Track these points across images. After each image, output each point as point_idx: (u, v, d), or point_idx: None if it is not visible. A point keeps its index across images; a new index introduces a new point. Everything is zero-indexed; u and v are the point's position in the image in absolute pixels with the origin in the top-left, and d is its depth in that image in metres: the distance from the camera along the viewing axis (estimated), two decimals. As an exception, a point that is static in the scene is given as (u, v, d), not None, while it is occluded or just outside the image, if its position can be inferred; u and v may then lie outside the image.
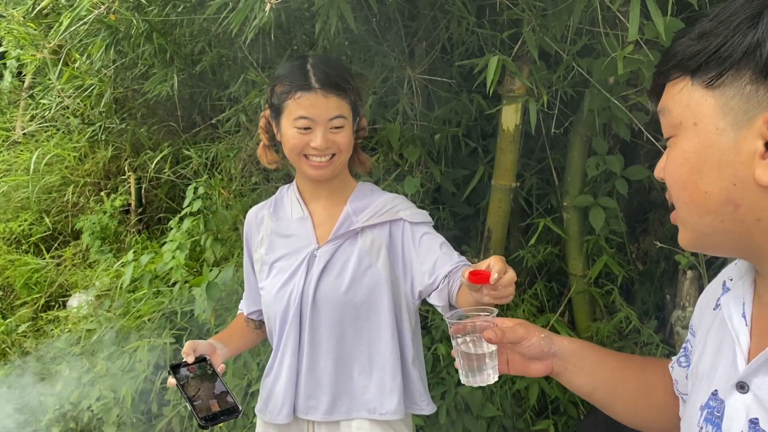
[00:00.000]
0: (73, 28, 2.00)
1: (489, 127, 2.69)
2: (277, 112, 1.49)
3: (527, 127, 2.15)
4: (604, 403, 1.08)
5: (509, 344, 1.09)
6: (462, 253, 2.71)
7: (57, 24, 2.36)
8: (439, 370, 2.56)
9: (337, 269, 1.52)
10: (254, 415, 1.74)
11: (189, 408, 1.33)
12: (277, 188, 1.78)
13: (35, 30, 3.15)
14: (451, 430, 2.50)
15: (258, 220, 1.68)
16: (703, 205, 0.73)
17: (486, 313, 1.11)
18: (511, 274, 1.15)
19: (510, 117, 2.30)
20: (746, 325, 0.78)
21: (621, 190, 2.31)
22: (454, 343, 1.12)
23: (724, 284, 0.87)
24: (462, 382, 1.11)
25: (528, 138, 2.58)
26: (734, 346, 0.78)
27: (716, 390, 0.80)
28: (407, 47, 2.62)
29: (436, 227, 2.67)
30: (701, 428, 0.81)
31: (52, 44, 2.63)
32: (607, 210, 2.33)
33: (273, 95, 1.50)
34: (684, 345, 1.03)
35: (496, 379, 1.10)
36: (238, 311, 1.82)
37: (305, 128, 1.43)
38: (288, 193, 1.66)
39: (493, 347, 1.08)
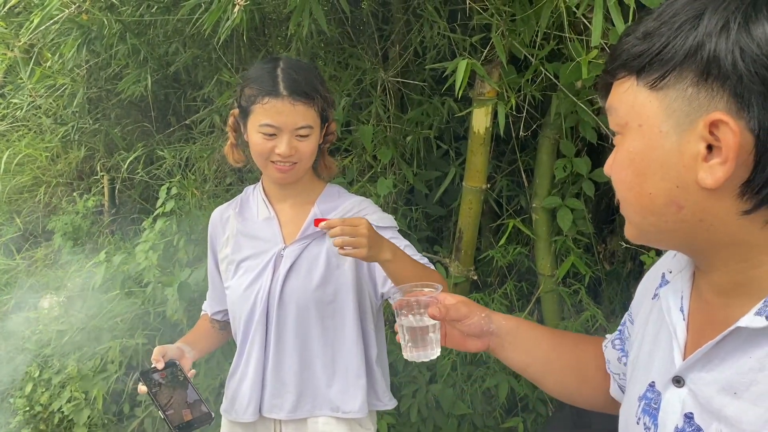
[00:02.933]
0: (44, 26, 2.00)
1: (460, 129, 2.73)
2: (244, 113, 1.50)
3: (497, 130, 2.20)
4: (536, 378, 1.12)
5: (450, 321, 1.10)
6: (434, 253, 2.76)
7: (28, 23, 2.35)
8: (411, 368, 2.59)
9: (304, 269, 1.54)
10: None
11: (162, 416, 1.32)
12: (251, 189, 1.79)
13: (5, 28, 3.12)
14: (423, 428, 2.53)
15: (223, 220, 1.68)
16: (647, 206, 0.74)
17: (430, 289, 1.12)
18: (349, 221, 1.33)
19: (480, 120, 2.34)
20: (683, 319, 0.80)
21: (588, 192, 2.37)
22: (398, 318, 1.12)
23: (663, 276, 0.89)
24: (405, 357, 1.12)
25: (498, 141, 2.63)
26: (671, 340, 0.80)
27: (653, 381, 0.82)
28: (380, 50, 2.66)
29: (409, 228, 2.73)
30: (639, 419, 0.83)
31: (22, 43, 2.60)
32: (574, 211, 2.38)
33: (242, 96, 1.50)
34: (620, 328, 1.06)
35: (439, 353, 1.11)
36: (202, 312, 1.82)
37: (270, 134, 1.44)
38: (254, 194, 1.67)
39: (437, 322, 1.09)
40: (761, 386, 0.67)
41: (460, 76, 1.82)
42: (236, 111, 1.56)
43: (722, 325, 0.72)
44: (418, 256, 1.56)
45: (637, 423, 0.84)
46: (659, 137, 0.70)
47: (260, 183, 1.66)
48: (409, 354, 1.11)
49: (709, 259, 0.76)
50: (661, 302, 0.85)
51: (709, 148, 0.67)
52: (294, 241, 1.56)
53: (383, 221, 1.58)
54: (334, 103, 1.59)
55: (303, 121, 1.45)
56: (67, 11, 1.64)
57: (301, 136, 1.46)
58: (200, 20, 2.08)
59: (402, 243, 1.57)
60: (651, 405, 0.81)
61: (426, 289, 1.11)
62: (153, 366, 1.42)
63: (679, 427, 0.75)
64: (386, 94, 2.60)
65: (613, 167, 0.78)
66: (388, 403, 1.66)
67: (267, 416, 1.61)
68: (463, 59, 1.85)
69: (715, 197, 0.69)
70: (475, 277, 2.66)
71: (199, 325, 1.78)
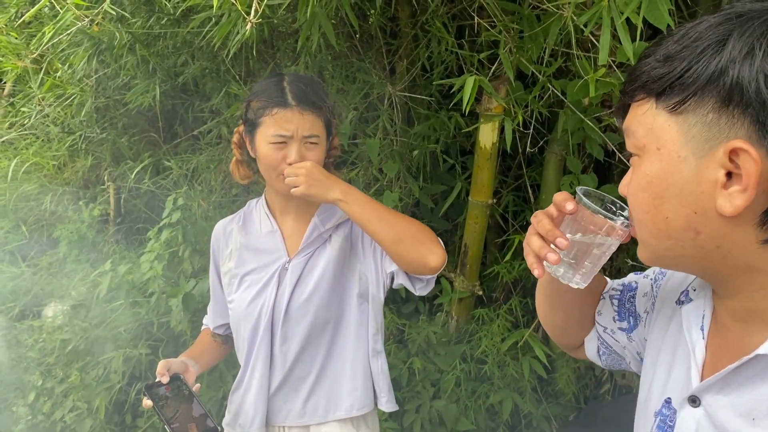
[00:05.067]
0: (56, 39, 2.01)
1: (467, 144, 2.74)
2: (252, 127, 1.50)
3: (504, 146, 2.20)
4: (544, 304, 1.11)
5: None
6: (439, 267, 2.75)
7: (39, 34, 2.37)
8: (415, 384, 2.58)
9: (309, 281, 1.54)
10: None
11: (168, 430, 1.32)
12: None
13: (17, 39, 3.15)
14: (426, 443, 2.52)
15: (226, 234, 1.69)
16: (664, 230, 0.73)
17: (625, 220, 0.86)
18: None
19: (487, 135, 2.35)
20: (703, 338, 0.79)
21: (595, 209, 2.36)
22: (574, 228, 0.88)
23: (687, 293, 0.87)
24: (559, 275, 0.90)
25: (505, 156, 2.64)
26: (689, 358, 0.79)
27: (669, 398, 0.82)
28: (388, 64, 2.67)
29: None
30: None
31: (35, 54, 2.62)
32: (580, 228, 2.38)
33: (249, 110, 1.51)
34: (623, 286, 1.03)
35: (583, 287, 0.90)
36: (203, 326, 1.82)
37: (281, 144, 1.45)
38: (257, 207, 1.68)
39: (608, 252, 0.89)
40: None
41: (467, 93, 1.82)
42: (241, 128, 1.57)
43: (740, 350, 0.72)
44: None
45: None
46: (678, 162, 0.69)
47: (263, 197, 1.67)
48: (563, 270, 0.90)
49: (725, 284, 0.75)
50: (683, 320, 0.84)
51: (729, 175, 0.66)
52: (297, 252, 1.56)
53: None
54: (338, 116, 1.60)
55: (311, 130, 1.47)
56: (79, 23, 1.65)
57: (311, 143, 1.47)
58: (210, 33, 2.10)
59: None
60: (666, 422, 0.81)
61: (622, 219, 0.85)
62: (158, 380, 1.42)
63: None
64: (393, 108, 2.61)
65: (630, 188, 0.77)
66: (388, 404, 1.66)
67: (276, 425, 1.61)
68: (471, 75, 1.85)
69: (734, 224, 0.68)
70: (480, 293, 2.65)
71: (200, 339, 1.78)
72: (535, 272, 0.89)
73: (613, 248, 0.87)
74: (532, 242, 0.88)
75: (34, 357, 3.03)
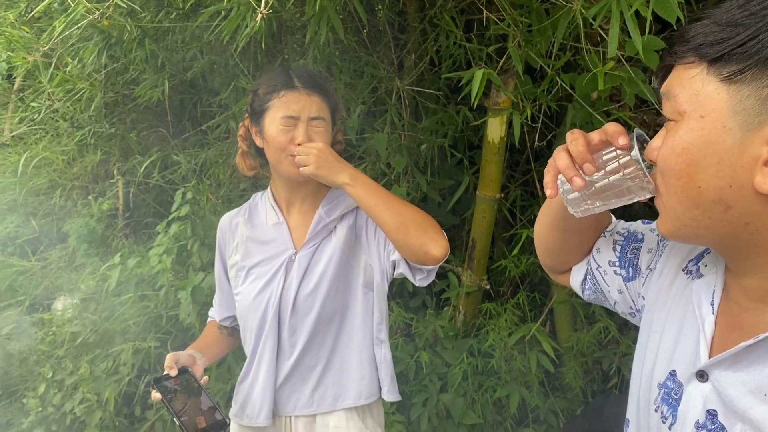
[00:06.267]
0: (66, 32, 2.02)
1: (475, 138, 2.74)
2: (259, 114, 1.52)
3: (512, 140, 2.20)
4: (542, 226, 1.09)
5: None
6: (447, 262, 2.76)
7: (50, 28, 2.38)
8: (422, 377, 2.58)
9: (316, 272, 1.55)
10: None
11: (177, 423, 1.33)
12: (264, 194, 1.80)
13: (28, 33, 3.16)
14: (433, 437, 2.52)
15: (232, 227, 1.70)
16: (694, 199, 0.71)
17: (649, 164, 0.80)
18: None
19: (495, 129, 2.35)
20: (713, 314, 0.79)
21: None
22: (616, 161, 0.82)
23: (698, 268, 0.86)
24: (568, 199, 0.85)
25: (513, 150, 2.63)
26: (698, 333, 0.79)
27: (674, 370, 0.81)
28: (396, 59, 2.67)
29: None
30: (657, 407, 0.83)
31: (45, 48, 2.64)
32: (588, 222, 2.37)
33: (255, 99, 1.54)
34: (638, 235, 1.01)
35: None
36: (209, 319, 1.82)
37: (288, 126, 1.48)
38: (262, 200, 1.69)
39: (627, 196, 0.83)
40: None
41: (476, 86, 1.82)
42: (247, 121, 1.59)
43: (753, 329, 0.71)
44: None
45: (655, 411, 0.83)
46: (722, 132, 0.67)
47: (269, 189, 1.68)
48: (573, 196, 0.84)
49: (745, 261, 0.74)
50: (692, 295, 0.83)
51: None
52: (303, 244, 1.57)
53: None
54: (341, 108, 1.61)
55: (318, 112, 1.50)
56: (90, 17, 1.66)
57: (317, 126, 1.50)
58: (219, 27, 2.11)
59: None
60: (671, 395, 0.80)
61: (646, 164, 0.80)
62: (166, 373, 1.43)
63: (701, 422, 0.74)
64: (401, 103, 2.61)
65: (662, 152, 0.74)
66: (389, 394, 1.66)
67: (280, 415, 1.62)
68: (479, 69, 1.85)
69: (767, 203, 0.67)
70: (488, 287, 2.65)
71: (207, 332, 1.79)
72: (548, 192, 0.85)
73: (631, 201, 0.83)
74: (560, 159, 0.83)
75: (45, 349, 3.05)
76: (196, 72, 2.82)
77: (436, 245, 1.44)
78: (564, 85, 2.04)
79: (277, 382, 1.60)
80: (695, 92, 0.69)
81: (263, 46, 2.41)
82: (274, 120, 1.49)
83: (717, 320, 0.78)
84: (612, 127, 0.82)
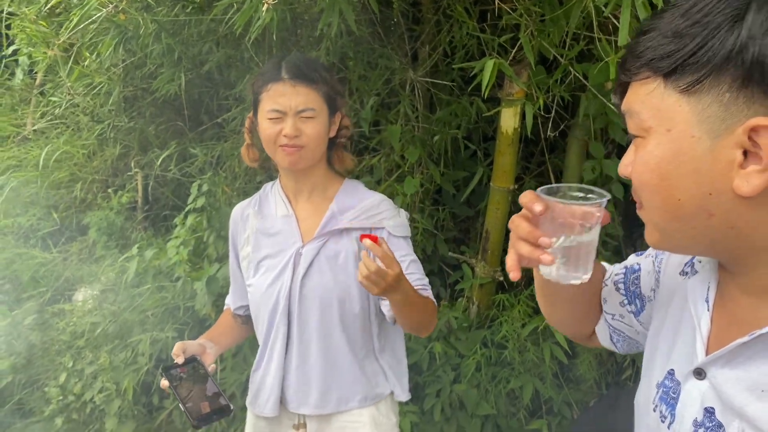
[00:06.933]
0: (83, 26, 2.06)
1: (489, 130, 2.73)
2: (255, 107, 1.56)
3: (526, 131, 2.19)
4: (547, 304, 1.10)
5: None
6: (461, 253, 2.76)
7: (68, 22, 2.42)
8: (435, 368, 2.59)
9: (322, 267, 1.56)
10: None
11: (182, 408, 1.38)
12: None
13: (47, 28, 3.21)
14: (446, 427, 2.53)
15: (243, 218, 1.71)
16: (675, 212, 0.70)
17: (597, 197, 0.84)
18: (394, 266, 1.33)
19: (509, 120, 2.34)
20: (708, 310, 0.78)
21: (617, 195, 2.35)
22: (554, 226, 0.85)
23: (693, 265, 0.86)
24: (556, 278, 0.87)
25: (527, 141, 2.62)
26: (694, 331, 0.78)
27: (672, 369, 0.81)
28: (410, 50, 2.67)
29: (435, 228, 2.73)
30: (655, 406, 0.83)
31: (62, 41, 2.68)
32: (603, 213, 2.36)
33: (252, 92, 1.57)
34: (634, 266, 1.01)
35: (587, 279, 0.87)
36: (225, 306, 1.85)
37: (276, 119, 1.48)
38: (272, 191, 1.69)
39: (596, 237, 0.86)
40: None
41: (486, 76, 1.82)
42: (251, 114, 1.62)
43: (749, 325, 0.71)
44: (418, 275, 1.58)
45: (654, 410, 0.83)
46: (691, 142, 0.66)
47: (278, 180, 1.69)
48: (565, 273, 0.86)
49: (738, 263, 0.74)
50: (687, 292, 0.82)
51: (745, 153, 0.64)
52: (312, 239, 1.58)
53: (399, 231, 1.59)
54: (342, 92, 1.61)
55: (305, 104, 1.48)
56: (105, 11, 1.68)
57: (305, 117, 1.49)
58: (232, 20, 2.12)
59: (409, 258, 1.59)
60: (669, 394, 0.80)
61: (593, 197, 0.84)
62: (174, 361, 1.47)
63: (698, 420, 0.74)
64: (415, 94, 2.61)
65: (635, 169, 0.74)
66: (403, 393, 1.69)
67: (293, 411, 1.63)
68: (491, 59, 1.85)
69: (750, 205, 0.66)
70: (501, 278, 2.65)
71: (222, 320, 1.81)
72: (512, 275, 0.86)
73: (597, 232, 0.84)
74: (521, 248, 0.84)
75: (65, 340, 3.11)
76: (212, 65, 2.84)
77: (426, 332, 1.61)
78: (577, 74, 2.03)
79: (287, 375, 1.61)
80: (656, 107, 0.69)
81: (275, 38, 2.42)
82: (264, 114, 1.51)
83: (713, 317, 0.78)
84: (525, 200, 0.84)
